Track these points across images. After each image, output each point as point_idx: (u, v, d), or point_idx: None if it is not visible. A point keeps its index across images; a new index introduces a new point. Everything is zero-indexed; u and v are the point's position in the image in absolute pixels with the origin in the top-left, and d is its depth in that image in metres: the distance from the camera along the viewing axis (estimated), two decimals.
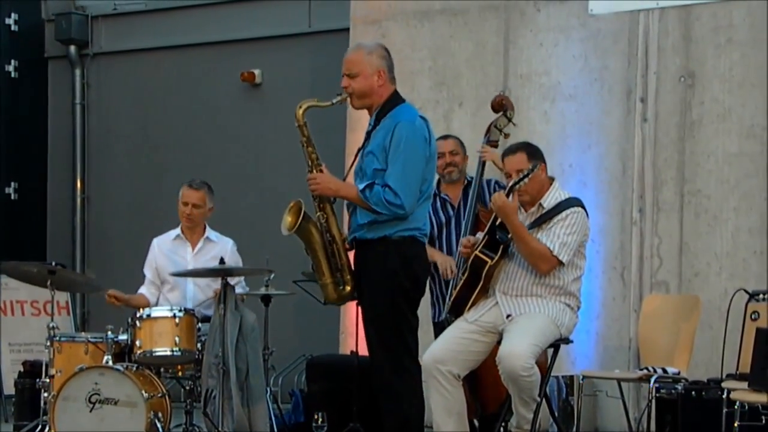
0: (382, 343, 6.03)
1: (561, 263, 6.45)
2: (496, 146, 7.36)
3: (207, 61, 11.56)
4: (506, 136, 7.39)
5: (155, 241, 8.06)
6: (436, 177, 7.51)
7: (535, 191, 6.54)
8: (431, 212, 7.41)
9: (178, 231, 8.01)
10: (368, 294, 6.09)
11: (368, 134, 6.13)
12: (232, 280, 7.64)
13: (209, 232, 7.98)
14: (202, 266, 7.69)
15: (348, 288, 6.15)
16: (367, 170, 6.06)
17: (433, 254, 7.31)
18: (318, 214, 6.12)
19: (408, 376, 6.02)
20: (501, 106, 7.42)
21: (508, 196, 6.42)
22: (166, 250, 7.97)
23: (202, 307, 7.73)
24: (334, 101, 6.12)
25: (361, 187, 6.01)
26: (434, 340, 6.76)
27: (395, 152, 5.95)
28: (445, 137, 7.61)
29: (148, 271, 8.01)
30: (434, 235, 7.42)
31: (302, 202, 6.10)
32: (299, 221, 6.05)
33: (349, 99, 6.11)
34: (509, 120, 7.41)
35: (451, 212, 7.42)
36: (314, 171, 6.10)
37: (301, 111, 6.11)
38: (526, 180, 6.39)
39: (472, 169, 7.52)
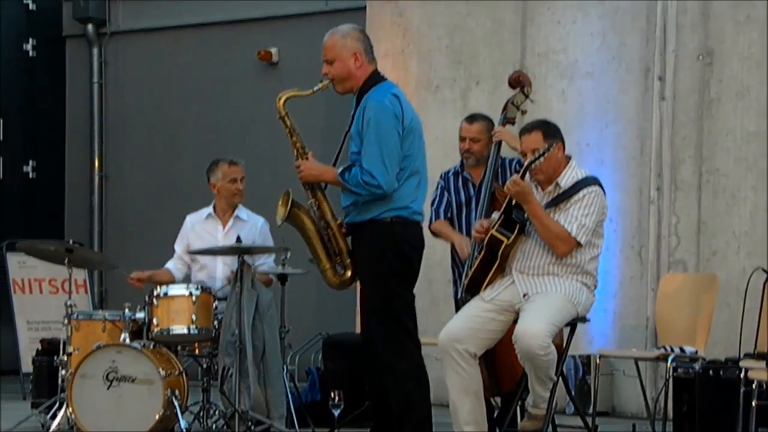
0: (379, 325, 6.10)
1: (579, 245, 6.43)
2: (513, 123, 7.29)
3: (224, 39, 11.55)
4: (523, 113, 7.33)
5: (188, 218, 8.07)
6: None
7: (551, 170, 6.50)
8: (452, 191, 7.39)
9: (210, 210, 8.01)
10: (361, 277, 6.18)
11: (352, 117, 6.18)
12: (259, 259, 7.64)
13: (240, 211, 7.98)
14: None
15: (348, 272, 6.21)
16: (349, 153, 6.13)
17: (451, 235, 7.29)
18: (310, 201, 6.19)
19: (408, 355, 6.08)
20: (518, 82, 7.36)
21: (522, 176, 6.39)
22: (199, 228, 7.98)
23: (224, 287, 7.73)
24: (315, 89, 6.18)
25: (340, 170, 6.07)
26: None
27: (366, 133, 6.02)
28: (471, 120, 7.42)
29: (178, 246, 8.02)
30: (454, 214, 7.40)
31: (291, 191, 6.16)
32: (288, 210, 6.10)
33: (332, 85, 6.16)
34: (526, 96, 7.35)
35: (472, 192, 7.39)
36: (300, 159, 6.18)
37: (281, 102, 6.19)
38: (541, 159, 6.36)
39: None
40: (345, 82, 6.15)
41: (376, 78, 6.17)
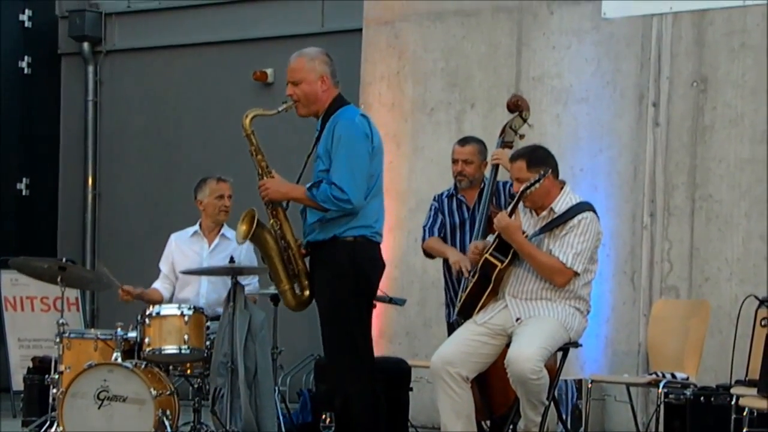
0: (332, 344, 6.11)
1: (577, 274, 6.43)
2: (510, 147, 7.29)
3: (220, 59, 11.57)
4: (521, 137, 7.34)
5: (173, 237, 8.07)
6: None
7: (540, 198, 6.50)
8: (446, 213, 7.40)
9: (196, 228, 8.01)
10: (319, 295, 6.16)
11: (316, 140, 6.20)
12: (245, 279, 7.64)
13: (225, 230, 7.98)
14: (218, 263, 7.69)
15: (306, 293, 6.21)
16: (315, 173, 6.14)
17: (446, 251, 7.28)
18: (271, 221, 6.20)
19: (356, 378, 6.06)
20: (516, 106, 7.37)
21: (512, 213, 6.40)
22: (184, 247, 7.98)
23: (215, 305, 7.72)
24: (280, 109, 6.20)
25: (307, 186, 6.08)
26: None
27: (336, 150, 6.03)
28: (463, 143, 7.46)
29: (163, 266, 8.01)
30: (447, 236, 7.41)
31: (255, 210, 6.17)
32: (253, 229, 6.10)
33: (294, 107, 6.18)
34: (524, 121, 7.36)
35: (466, 214, 7.40)
36: (265, 178, 6.18)
37: (247, 120, 6.21)
38: (532, 189, 6.37)
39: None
40: (310, 105, 6.17)
41: (341, 101, 6.19)
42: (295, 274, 6.19)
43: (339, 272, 6.05)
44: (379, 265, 6.22)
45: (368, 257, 6.12)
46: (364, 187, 6.05)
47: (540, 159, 6.52)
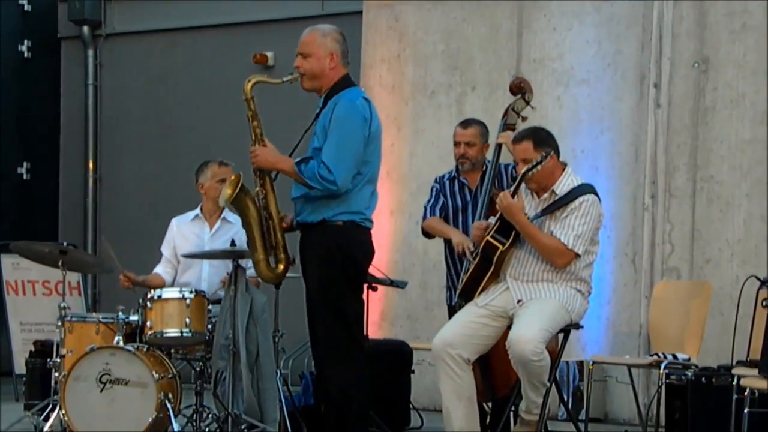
0: (325, 329, 6.10)
1: (578, 256, 6.43)
2: (513, 129, 7.27)
3: (220, 42, 11.56)
4: (524, 119, 7.33)
5: (174, 221, 8.06)
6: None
7: (544, 180, 6.49)
8: (448, 196, 7.39)
9: (197, 211, 8.02)
10: (309, 280, 6.16)
11: (316, 116, 6.18)
12: (246, 263, 7.65)
13: (226, 213, 7.98)
14: (219, 247, 7.69)
15: (281, 267, 6.21)
16: (309, 148, 6.13)
17: (448, 232, 7.27)
18: (257, 189, 6.18)
19: (351, 362, 6.07)
20: (519, 88, 7.35)
21: (515, 192, 6.40)
22: (185, 230, 7.98)
23: (217, 289, 7.73)
24: (285, 80, 6.19)
25: (296, 160, 6.07)
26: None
27: (332, 129, 6.01)
28: (465, 125, 7.43)
29: (165, 249, 8.01)
30: (450, 219, 7.40)
31: (242, 175, 6.17)
32: (235, 193, 6.10)
33: (300, 80, 6.17)
34: (527, 103, 7.33)
35: (469, 197, 7.38)
36: (257, 145, 6.17)
37: (249, 85, 6.19)
38: (537, 169, 6.36)
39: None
40: (314, 80, 6.14)
41: (347, 81, 6.17)
42: (272, 246, 6.19)
43: (327, 256, 6.04)
44: (369, 250, 6.20)
45: (357, 242, 6.11)
46: (353, 171, 6.02)
47: (543, 139, 6.52)
